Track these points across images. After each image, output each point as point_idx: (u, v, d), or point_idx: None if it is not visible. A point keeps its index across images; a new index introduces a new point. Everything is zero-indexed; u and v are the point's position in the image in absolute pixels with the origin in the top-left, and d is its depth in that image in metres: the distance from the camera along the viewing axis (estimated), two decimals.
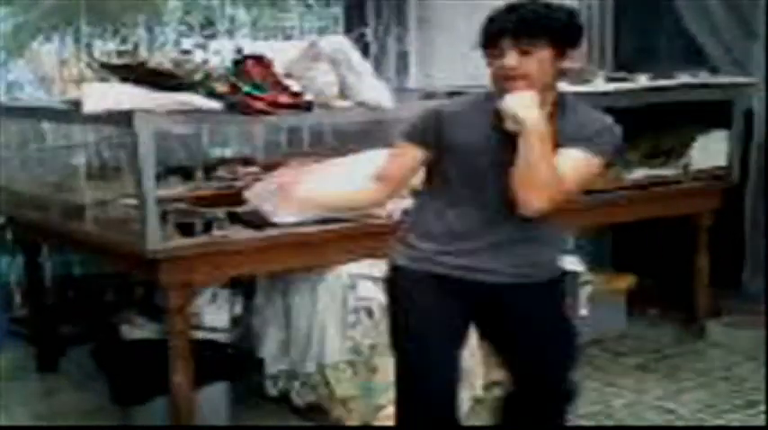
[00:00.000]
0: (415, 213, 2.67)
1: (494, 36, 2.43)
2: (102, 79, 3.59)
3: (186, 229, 3.36)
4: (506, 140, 2.41)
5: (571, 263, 4.19)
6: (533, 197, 2.37)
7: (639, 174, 4.47)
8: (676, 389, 4.03)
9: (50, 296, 4.74)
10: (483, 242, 2.51)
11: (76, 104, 3.36)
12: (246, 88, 3.28)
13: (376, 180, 2.63)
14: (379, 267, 3.53)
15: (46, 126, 4.14)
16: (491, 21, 2.46)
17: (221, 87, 3.29)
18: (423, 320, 2.55)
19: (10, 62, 5.05)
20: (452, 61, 5.37)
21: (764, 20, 4.71)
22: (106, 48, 5.07)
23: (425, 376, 2.54)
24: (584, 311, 4.31)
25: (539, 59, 2.40)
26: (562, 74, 2.50)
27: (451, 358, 2.61)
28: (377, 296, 3.48)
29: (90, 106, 3.24)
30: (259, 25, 5.61)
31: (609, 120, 2.53)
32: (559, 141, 2.43)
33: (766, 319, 4.57)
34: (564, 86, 4.09)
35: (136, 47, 4.97)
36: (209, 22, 5.42)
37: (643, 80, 4.43)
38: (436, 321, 2.55)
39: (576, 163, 2.43)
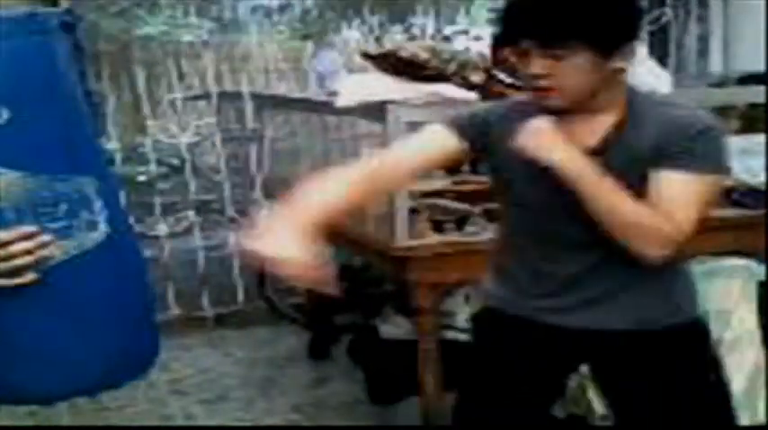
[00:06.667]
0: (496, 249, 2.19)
1: (513, 36, 1.87)
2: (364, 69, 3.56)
3: (439, 226, 3.22)
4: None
5: None
6: (640, 246, 1.83)
7: None
8: None
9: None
10: (562, 284, 2.01)
11: (335, 96, 3.35)
12: (502, 78, 3.09)
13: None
14: None
15: (330, 118, 4.14)
16: (508, 14, 1.89)
17: (476, 77, 3.12)
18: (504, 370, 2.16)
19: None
20: (760, 44, 4.88)
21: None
22: (393, 36, 5.10)
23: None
24: None
25: (574, 65, 1.80)
26: (620, 74, 1.88)
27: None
28: None
29: (344, 98, 3.23)
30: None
31: (704, 118, 1.87)
32: (640, 158, 1.86)
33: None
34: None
35: (413, 35, 4.93)
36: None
37: None
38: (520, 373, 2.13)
39: (680, 187, 1.83)
